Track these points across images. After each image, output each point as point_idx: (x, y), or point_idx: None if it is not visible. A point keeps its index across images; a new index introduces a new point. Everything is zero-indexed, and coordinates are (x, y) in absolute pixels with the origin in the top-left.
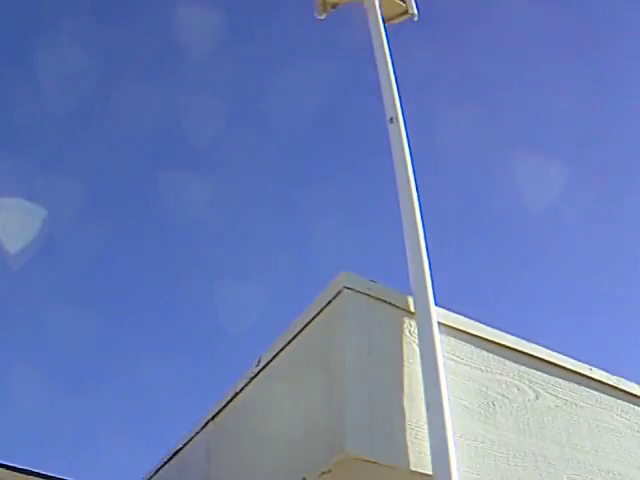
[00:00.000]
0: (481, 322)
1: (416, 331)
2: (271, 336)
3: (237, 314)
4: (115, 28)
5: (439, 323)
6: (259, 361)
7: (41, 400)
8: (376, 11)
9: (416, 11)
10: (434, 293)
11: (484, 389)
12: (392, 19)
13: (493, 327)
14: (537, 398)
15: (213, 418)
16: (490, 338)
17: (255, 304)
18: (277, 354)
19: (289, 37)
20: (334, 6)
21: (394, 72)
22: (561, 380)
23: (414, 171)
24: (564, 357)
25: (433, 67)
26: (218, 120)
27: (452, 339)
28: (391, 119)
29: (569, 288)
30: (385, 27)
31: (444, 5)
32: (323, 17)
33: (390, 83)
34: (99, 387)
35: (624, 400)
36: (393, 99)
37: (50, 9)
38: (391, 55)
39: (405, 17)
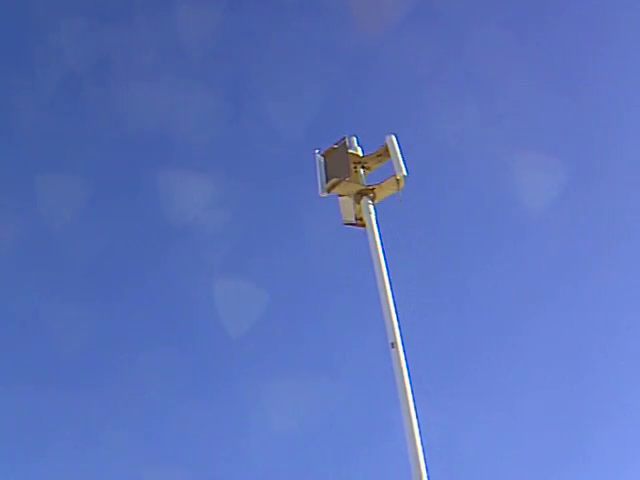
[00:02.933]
0: None
1: None
2: (270, 336)
3: (237, 314)
4: (115, 28)
5: None
6: None
7: (41, 398)
8: (375, 239)
9: (405, 172)
10: None
11: None
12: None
13: None
14: None
15: None
16: None
17: (255, 304)
18: None
19: (289, 37)
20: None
21: (394, 299)
22: None
23: (413, 394)
24: None
25: (432, 66)
26: (218, 120)
27: None
28: (392, 344)
29: None
30: (385, 254)
31: (445, 5)
32: (324, 196)
33: (390, 310)
34: (99, 386)
35: None
36: (393, 325)
37: (50, 9)
38: (390, 280)
39: (402, 184)
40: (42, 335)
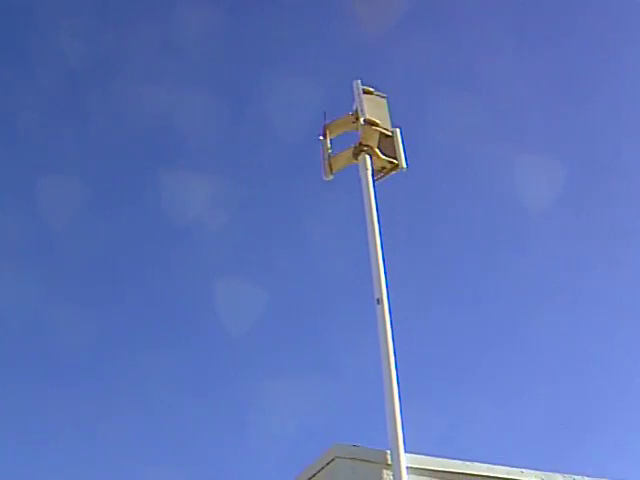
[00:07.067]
0: (445, 457)
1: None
2: (270, 336)
3: (237, 314)
4: (115, 28)
5: (410, 467)
6: None
7: (41, 398)
8: (370, 191)
9: (405, 165)
10: (405, 444)
11: None
12: (383, 174)
13: (455, 459)
14: None
15: None
16: (453, 470)
17: (255, 304)
18: None
19: (289, 37)
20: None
21: (382, 252)
22: None
23: (395, 347)
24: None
25: (433, 66)
26: (218, 120)
27: (420, 477)
28: (378, 300)
29: None
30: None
31: (445, 5)
32: (330, 179)
33: (378, 265)
34: (99, 385)
35: None
36: (380, 281)
37: (50, 9)
38: (380, 233)
39: (395, 171)
40: (41, 334)
